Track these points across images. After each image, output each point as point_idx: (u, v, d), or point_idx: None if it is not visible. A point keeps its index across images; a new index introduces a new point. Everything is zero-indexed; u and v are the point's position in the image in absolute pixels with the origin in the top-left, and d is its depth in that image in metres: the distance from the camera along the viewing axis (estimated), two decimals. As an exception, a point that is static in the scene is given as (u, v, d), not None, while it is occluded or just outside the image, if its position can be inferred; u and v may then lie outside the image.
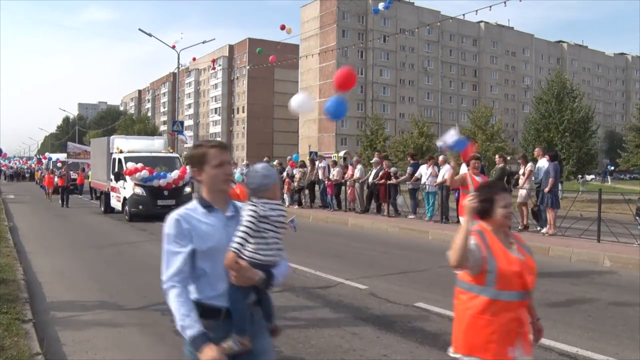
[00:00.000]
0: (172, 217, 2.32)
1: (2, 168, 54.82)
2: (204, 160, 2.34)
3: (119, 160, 16.62)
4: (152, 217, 15.58)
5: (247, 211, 2.32)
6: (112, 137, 18.76)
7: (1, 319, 5.08)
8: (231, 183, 2.50)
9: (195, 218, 2.30)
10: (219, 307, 2.28)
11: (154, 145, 18.47)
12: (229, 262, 2.25)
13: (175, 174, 15.85)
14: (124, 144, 17.53)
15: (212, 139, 2.52)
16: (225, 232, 2.31)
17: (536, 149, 13.02)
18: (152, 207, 15.56)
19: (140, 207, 15.57)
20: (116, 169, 16.62)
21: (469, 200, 2.56)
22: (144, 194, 15.51)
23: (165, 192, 15.74)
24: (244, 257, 2.26)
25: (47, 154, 45.37)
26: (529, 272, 2.54)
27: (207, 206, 2.35)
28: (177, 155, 18.90)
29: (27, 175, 53.84)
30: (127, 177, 15.63)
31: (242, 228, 2.29)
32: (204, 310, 2.26)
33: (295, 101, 8.31)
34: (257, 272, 2.27)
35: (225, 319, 2.27)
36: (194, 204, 2.39)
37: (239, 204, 2.48)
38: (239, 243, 2.27)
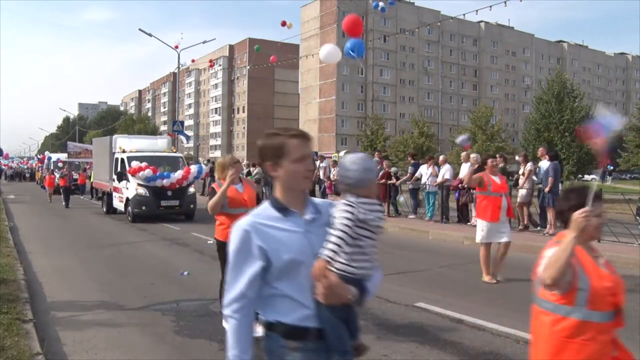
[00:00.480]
0: (239, 227, 1.94)
1: (3, 168, 54.85)
2: (282, 152, 1.94)
3: (122, 159, 16.34)
4: (155, 217, 15.54)
5: (342, 212, 1.93)
6: (114, 136, 18.42)
7: (2, 319, 5.09)
8: (312, 180, 2.07)
9: (267, 225, 1.93)
10: (308, 327, 1.92)
11: (157, 145, 18.13)
12: (318, 272, 1.88)
13: (179, 174, 15.63)
14: (127, 144, 17.22)
15: (288, 127, 2.10)
16: (307, 240, 1.93)
17: (540, 149, 12.97)
18: (155, 207, 15.41)
19: (144, 207, 15.37)
20: (119, 169, 16.42)
21: (582, 217, 2.18)
22: (147, 195, 15.30)
23: (169, 193, 15.54)
24: (333, 269, 1.90)
25: (46, 153, 45.28)
26: (620, 289, 2.32)
27: (282, 209, 1.96)
28: (181, 155, 18.75)
29: (27, 175, 53.85)
30: (130, 177, 15.45)
31: (336, 233, 1.90)
32: (289, 331, 1.92)
33: (323, 51, 8.90)
34: (349, 289, 1.91)
35: (316, 340, 1.92)
36: (265, 207, 2.00)
37: (318, 201, 2.08)
38: (332, 250, 1.89)
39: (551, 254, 2.22)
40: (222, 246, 5.15)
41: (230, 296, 1.92)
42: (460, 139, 10.51)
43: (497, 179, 7.54)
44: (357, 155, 2.03)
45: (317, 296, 1.89)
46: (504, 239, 7.42)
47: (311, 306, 1.91)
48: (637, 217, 11.73)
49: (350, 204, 1.93)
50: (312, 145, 2.04)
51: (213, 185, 5.33)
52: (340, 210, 1.94)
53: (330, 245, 1.90)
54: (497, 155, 14.17)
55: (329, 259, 1.89)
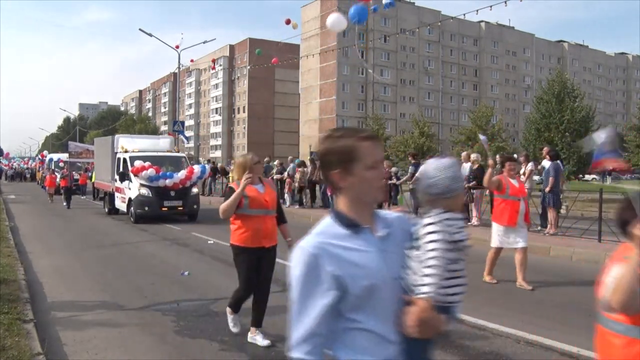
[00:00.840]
0: (304, 249, 1.58)
1: (4, 168, 54.89)
2: (353, 157, 1.61)
3: (124, 159, 16.18)
4: (158, 218, 15.43)
5: (430, 235, 1.68)
6: (116, 136, 18.23)
7: (2, 319, 5.09)
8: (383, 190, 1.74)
9: (337, 246, 1.59)
10: None
11: (160, 145, 17.92)
12: (425, 316, 1.61)
13: (182, 174, 15.48)
14: (129, 144, 17.04)
15: (355, 127, 1.66)
16: (384, 261, 1.63)
17: (544, 149, 12.91)
18: (158, 208, 15.26)
19: (146, 208, 15.20)
20: (121, 169, 16.27)
21: None
22: (150, 195, 15.12)
23: (172, 193, 15.37)
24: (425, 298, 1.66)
25: (44, 153, 45.16)
26: None
27: (352, 225, 1.63)
28: (184, 155, 18.58)
29: (27, 175, 53.85)
30: (133, 177, 15.31)
31: (430, 262, 1.64)
32: None
33: (329, 20, 10.03)
34: (442, 319, 1.67)
35: None
36: (328, 223, 1.66)
37: (386, 214, 1.77)
38: (432, 284, 1.63)
39: (617, 273, 1.97)
40: (239, 252, 4.81)
41: (299, 335, 1.57)
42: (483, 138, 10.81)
43: (515, 183, 7.32)
44: (444, 161, 1.77)
45: (409, 330, 1.62)
46: (520, 245, 7.16)
47: (396, 340, 1.63)
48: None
49: (437, 222, 1.70)
50: (383, 148, 1.73)
51: (232, 185, 4.92)
52: (427, 234, 1.69)
53: (427, 279, 1.63)
54: (498, 156, 14.22)
55: (430, 297, 1.62)
